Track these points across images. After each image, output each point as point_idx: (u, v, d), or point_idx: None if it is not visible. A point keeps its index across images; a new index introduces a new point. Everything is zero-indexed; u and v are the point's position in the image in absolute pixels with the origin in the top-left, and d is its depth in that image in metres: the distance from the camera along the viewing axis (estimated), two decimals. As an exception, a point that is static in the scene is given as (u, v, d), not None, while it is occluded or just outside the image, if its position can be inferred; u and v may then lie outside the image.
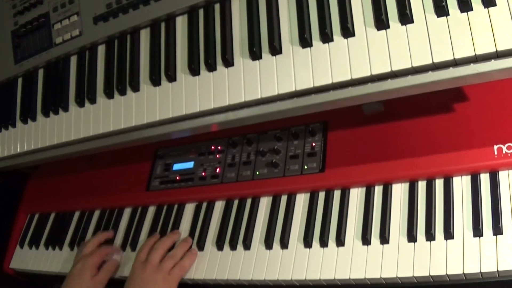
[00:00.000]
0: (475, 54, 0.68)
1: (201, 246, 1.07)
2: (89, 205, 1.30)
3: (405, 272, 0.84)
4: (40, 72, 1.17)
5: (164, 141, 1.08)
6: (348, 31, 0.77)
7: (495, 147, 0.86)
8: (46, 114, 1.11)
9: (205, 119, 0.91)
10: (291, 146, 1.07)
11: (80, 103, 1.05)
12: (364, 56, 0.75)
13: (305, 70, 0.80)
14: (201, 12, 0.94)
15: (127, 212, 1.23)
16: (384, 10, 0.75)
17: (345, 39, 0.78)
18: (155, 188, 1.20)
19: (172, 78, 0.94)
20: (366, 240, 0.90)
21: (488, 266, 0.78)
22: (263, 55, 0.85)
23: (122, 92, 0.99)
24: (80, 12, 1.07)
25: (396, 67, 0.72)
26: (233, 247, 1.03)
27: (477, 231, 0.82)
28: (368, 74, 0.74)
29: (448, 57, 0.69)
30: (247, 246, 1.01)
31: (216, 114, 0.89)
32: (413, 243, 0.86)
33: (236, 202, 1.09)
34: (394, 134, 0.97)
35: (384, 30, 0.75)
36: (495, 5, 0.68)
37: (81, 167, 1.37)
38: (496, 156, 0.85)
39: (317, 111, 0.83)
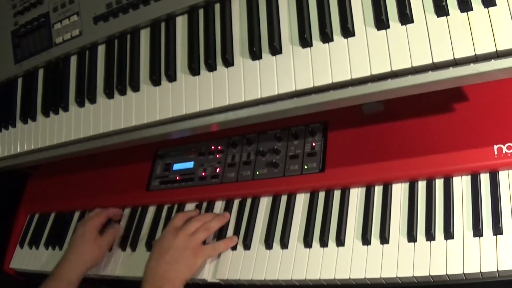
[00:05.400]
0: (475, 54, 0.68)
1: (201, 246, 1.07)
2: (89, 205, 1.29)
3: (405, 272, 0.84)
4: (40, 72, 1.17)
5: (164, 141, 1.07)
6: (348, 31, 0.77)
7: (495, 147, 0.86)
8: (46, 114, 1.11)
9: (205, 119, 0.91)
10: (291, 146, 1.07)
11: (80, 103, 1.05)
12: (364, 56, 0.75)
13: (305, 70, 0.80)
14: (201, 12, 0.94)
15: (127, 212, 1.23)
16: (384, 10, 0.75)
17: (345, 39, 0.78)
18: (155, 188, 1.20)
19: (172, 78, 0.94)
20: (366, 240, 0.90)
21: (488, 266, 0.78)
22: (263, 55, 0.85)
23: (122, 92, 0.99)
24: (80, 12, 1.07)
25: (396, 67, 0.72)
26: (233, 247, 1.03)
27: (477, 231, 0.82)
28: (368, 74, 0.74)
29: (448, 57, 0.69)
30: (247, 246, 1.01)
31: (216, 114, 0.89)
32: (413, 243, 0.86)
33: (236, 202, 1.09)
34: (394, 134, 0.97)
35: (384, 30, 0.75)
36: (495, 5, 0.68)
37: (81, 167, 1.37)
38: (496, 156, 0.85)
39: (317, 111, 0.83)
